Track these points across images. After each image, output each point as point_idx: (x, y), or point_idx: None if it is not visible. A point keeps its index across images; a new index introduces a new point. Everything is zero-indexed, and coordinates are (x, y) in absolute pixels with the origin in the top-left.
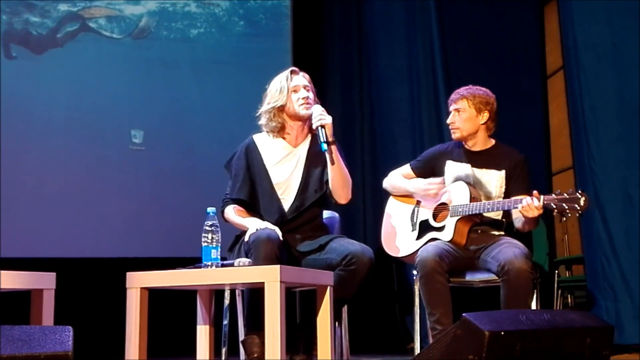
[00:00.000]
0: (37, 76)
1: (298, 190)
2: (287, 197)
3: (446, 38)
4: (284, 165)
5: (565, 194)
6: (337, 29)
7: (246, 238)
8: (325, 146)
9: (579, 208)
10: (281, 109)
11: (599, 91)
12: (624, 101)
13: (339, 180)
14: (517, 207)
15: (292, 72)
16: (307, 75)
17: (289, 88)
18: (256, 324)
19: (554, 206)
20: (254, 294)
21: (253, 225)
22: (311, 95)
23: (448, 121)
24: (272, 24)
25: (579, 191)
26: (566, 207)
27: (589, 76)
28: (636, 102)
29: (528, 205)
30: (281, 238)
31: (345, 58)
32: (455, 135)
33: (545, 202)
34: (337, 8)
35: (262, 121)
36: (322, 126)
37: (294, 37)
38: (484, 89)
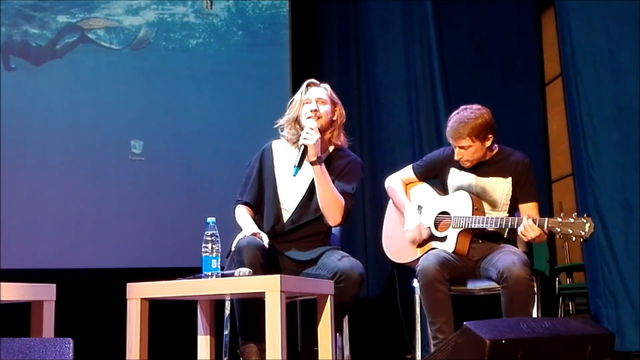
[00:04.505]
0: (36, 87)
1: (298, 204)
2: (288, 209)
3: (444, 46)
4: (292, 177)
5: (570, 219)
6: (335, 37)
7: (232, 247)
8: (296, 172)
9: (583, 234)
10: (297, 121)
11: (597, 98)
12: (622, 107)
13: (322, 201)
14: (519, 227)
15: (308, 84)
16: (328, 89)
17: (302, 101)
18: (250, 332)
19: (559, 230)
20: (244, 303)
21: (243, 230)
22: (324, 107)
23: (456, 158)
24: (271, 33)
25: (584, 215)
26: (571, 232)
27: (586, 83)
28: (634, 109)
29: (525, 229)
30: (266, 244)
31: (343, 66)
32: (466, 165)
33: (549, 226)
34: (334, 17)
35: (284, 132)
36: (305, 146)
37: (293, 47)
38: (475, 108)
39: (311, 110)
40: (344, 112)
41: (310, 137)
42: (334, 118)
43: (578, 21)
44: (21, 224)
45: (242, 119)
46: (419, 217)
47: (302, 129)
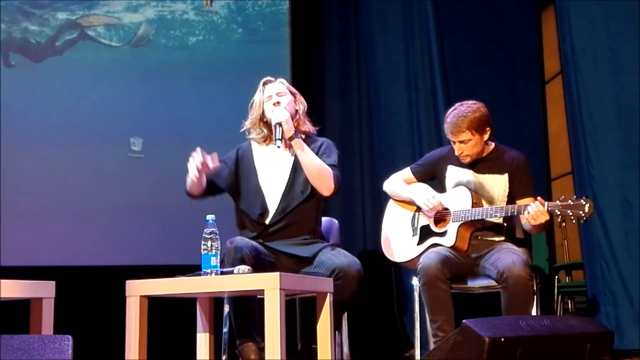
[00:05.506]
0: (36, 84)
1: (284, 192)
2: (273, 200)
3: (444, 43)
4: (272, 167)
5: (569, 201)
6: (335, 35)
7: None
8: (279, 143)
9: (583, 215)
10: (262, 120)
11: (597, 96)
12: (622, 105)
13: (310, 171)
14: (521, 213)
15: (264, 83)
16: (284, 82)
17: (262, 100)
18: (246, 331)
19: (559, 212)
20: (238, 302)
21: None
22: (286, 99)
23: (456, 153)
24: (270, 31)
25: (584, 197)
26: (571, 214)
27: (586, 81)
28: (634, 107)
29: (535, 213)
30: (210, 165)
31: (343, 64)
32: (466, 160)
33: (549, 209)
34: (334, 15)
35: (252, 135)
36: (279, 124)
37: (292, 44)
38: (471, 103)
39: (274, 104)
40: (304, 100)
41: (280, 114)
42: (297, 108)
43: (578, 19)
44: (20, 221)
45: (242, 116)
46: (426, 187)
47: (267, 126)
